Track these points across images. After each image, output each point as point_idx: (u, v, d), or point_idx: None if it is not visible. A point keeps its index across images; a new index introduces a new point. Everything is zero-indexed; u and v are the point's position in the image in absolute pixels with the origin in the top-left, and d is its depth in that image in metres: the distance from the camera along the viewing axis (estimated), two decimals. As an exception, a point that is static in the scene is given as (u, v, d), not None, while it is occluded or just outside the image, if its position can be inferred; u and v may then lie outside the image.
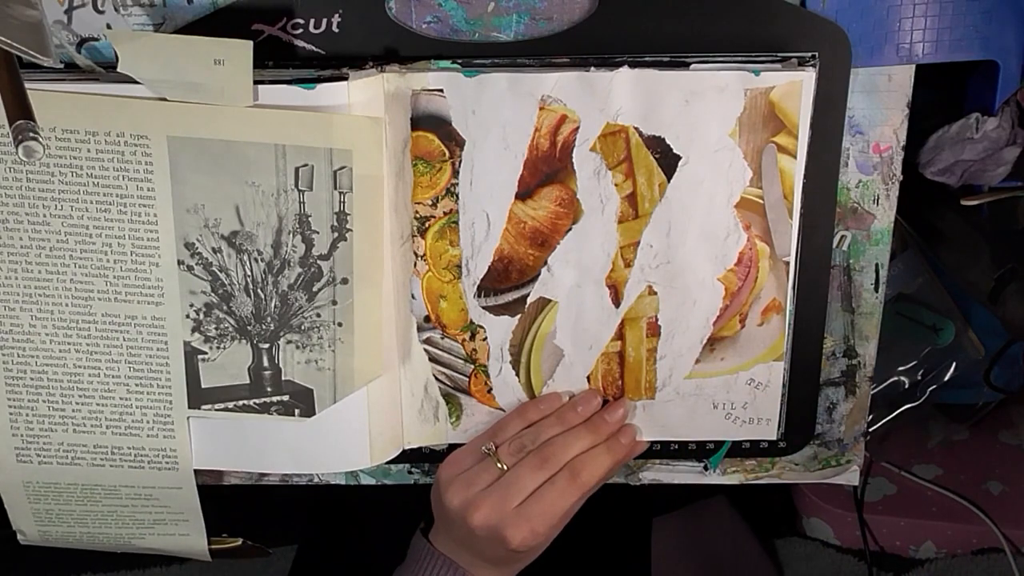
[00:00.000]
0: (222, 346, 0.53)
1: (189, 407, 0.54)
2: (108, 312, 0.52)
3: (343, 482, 0.61)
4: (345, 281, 0.51)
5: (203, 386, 0.54)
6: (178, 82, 0.47)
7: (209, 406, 0.54)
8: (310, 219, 0.50)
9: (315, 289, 0.52)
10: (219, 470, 0.58)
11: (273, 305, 0.52)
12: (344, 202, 0.50)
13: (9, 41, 0.41)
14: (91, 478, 0.56)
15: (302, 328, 0.52)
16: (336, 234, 0.50)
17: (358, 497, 0.69)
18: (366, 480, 0.62)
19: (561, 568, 0.59)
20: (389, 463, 0.59)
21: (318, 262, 0.51)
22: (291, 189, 0.49)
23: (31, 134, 0.40)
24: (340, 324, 0.52)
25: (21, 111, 0.41)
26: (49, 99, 0.47)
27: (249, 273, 0.51)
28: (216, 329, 0.53)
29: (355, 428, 0.55)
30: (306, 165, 0.49)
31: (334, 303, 0.52)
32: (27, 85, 0.42)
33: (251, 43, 0.46)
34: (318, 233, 0.50)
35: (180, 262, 0.51)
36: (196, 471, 0.56)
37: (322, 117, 0.48)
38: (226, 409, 0.54)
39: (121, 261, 0.51)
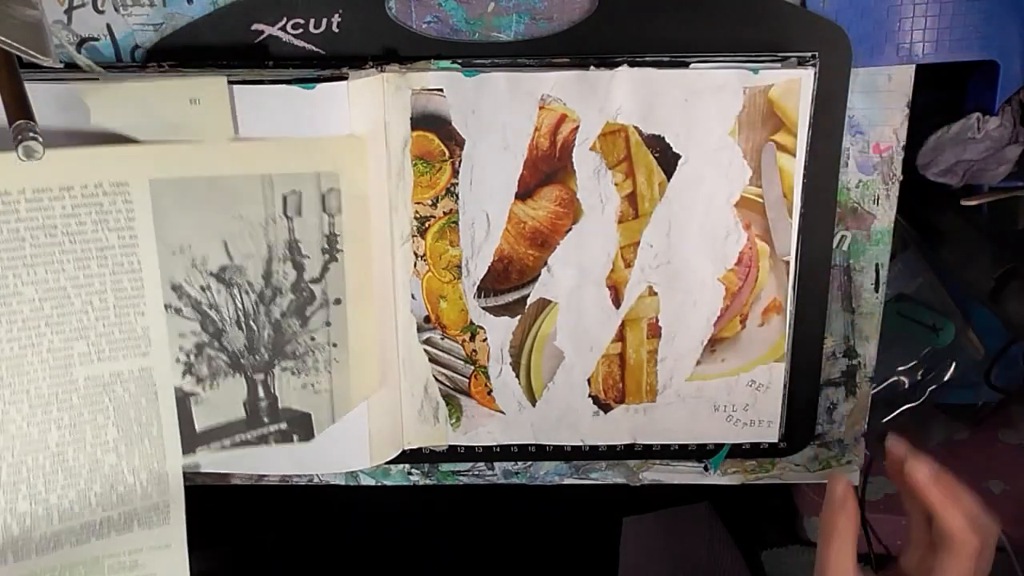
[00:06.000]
0: (215, 383, 0.51)
1: (184, 453, 0.52)
2: (91, 375, 0.49)
3: (343, 483, 0.61)
4: (338, 301, 0.50)
5: (197, 430, 0.52)
6: (154, 126, 0.46)
7: (204, 447, 0.52)
8: (300, 245, 0.49)
9: (308, 313, 0.51)
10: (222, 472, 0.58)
11: (266, 335, 0.51)
12: (333, 224, 0.49)
13: (9, 41, 0.41)
14: (72, 557, 0.51)
15: (296, 354, 0.51)
16: (327, 256, 0.50)
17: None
18: (366, 481, 0.62)
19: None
20: (389, 464, 0.59)
21: (310, 286, 0.50)
22: (280, 217, 0.48)
23: (31, 134, 0.40)
24: (335, 344, 0.51)
25: (21, 111, 0.41)
26: (10, 161, 0.41)
27: (240, 307, 0.50)
28: (208, 368, 0.51)
29: (355, 429, 0.55)
30: (294, 192, 0.48)
31: (328, 324, 0.51)
32: (27, 85, 0.42)
33: (225, 79, 0.46)
34: (309, 258, 0.49)
35: (167, 306, 0.49)
36: (198, 473, 0.56)
37: (308, 143, 0.47)
38: (222, 448, 0.52)
39: (103, 318, 0.48)
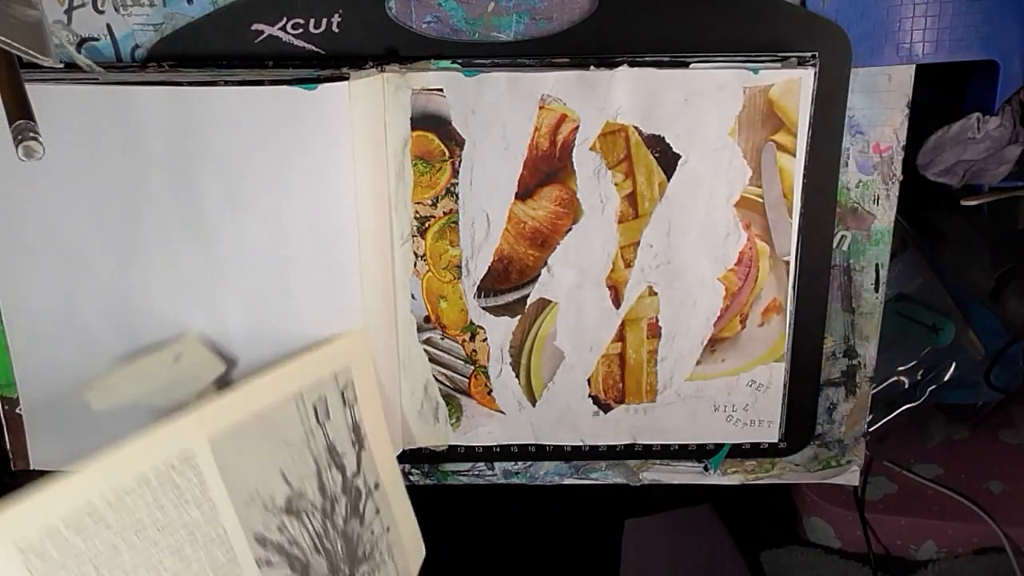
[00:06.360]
0: None
1: None
2: None
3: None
4: (377, 486, 0.52)
5: None
6: (152, 392, 0.48)
7: None
8: (336, 446, 0.50)
9: (362, 509, 0.51)
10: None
11: (340, 549, 0.50)
12: (355, 414, 0.51)
13: (9, 41, 0.41)
14: None
15: (367, 554, 0.52)
16: (357, 447, 0.51)
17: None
18: (366, 481, 0.62)
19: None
20: (389, 464, 0.59)
21: (354, 482, 0.51)
22: (315, 427, 0.50)
23: (31, 134, 0.40)
24: (388, 528, 0.53)
25: (21, 111, 0.41)
26: (88, 474, 0.41)
27: (313, 531, 0.49)
28: None
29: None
30: (320, 398, 0.50)
31: (377, 512, 0.52)
32: (27, 85, 0.42)
33: (193, 333, 0.49)
34: (345, 455, 0.51)
35: (259, 562, 0.47)
36: None
37: (325, 351, 0.50)
38: None
39: None
